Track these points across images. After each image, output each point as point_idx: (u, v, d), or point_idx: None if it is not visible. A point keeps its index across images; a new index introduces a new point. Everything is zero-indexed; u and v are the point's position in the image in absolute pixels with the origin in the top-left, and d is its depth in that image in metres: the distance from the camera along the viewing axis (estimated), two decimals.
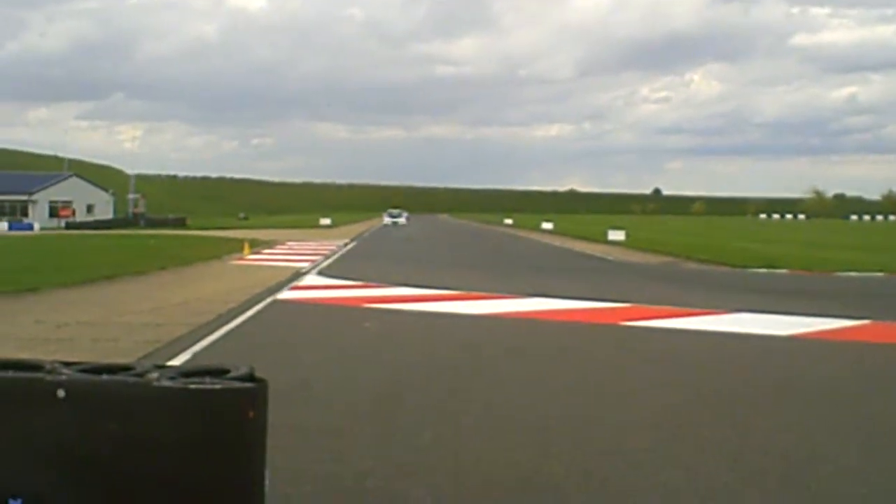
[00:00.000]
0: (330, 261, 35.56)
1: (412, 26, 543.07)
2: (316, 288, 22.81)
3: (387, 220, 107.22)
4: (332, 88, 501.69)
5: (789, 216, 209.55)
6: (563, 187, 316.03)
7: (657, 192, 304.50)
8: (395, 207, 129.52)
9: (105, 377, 3.38)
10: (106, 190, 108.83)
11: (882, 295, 24.62)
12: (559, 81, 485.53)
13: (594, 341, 14.43)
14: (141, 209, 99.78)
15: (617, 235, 58.75)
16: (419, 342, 14.09)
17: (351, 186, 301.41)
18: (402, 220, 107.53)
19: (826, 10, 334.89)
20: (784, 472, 6.99)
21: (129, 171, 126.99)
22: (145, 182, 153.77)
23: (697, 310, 17.85)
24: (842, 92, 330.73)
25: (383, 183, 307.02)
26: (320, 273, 28.12)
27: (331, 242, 52.69)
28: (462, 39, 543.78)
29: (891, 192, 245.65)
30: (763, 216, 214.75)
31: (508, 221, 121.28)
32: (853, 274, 32.13)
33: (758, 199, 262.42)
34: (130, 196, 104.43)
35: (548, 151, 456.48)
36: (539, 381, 10.80)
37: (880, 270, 33.22)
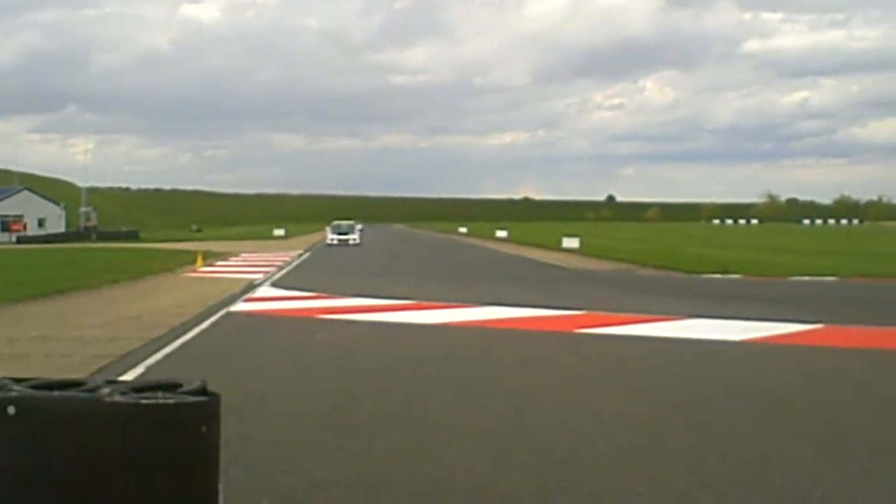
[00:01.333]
0: (283, 272, 35.44)
1: (367, 36, 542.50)
2: (269, 300, 22.72)
3: (332, 237, 68.60)
4: (288, 98, 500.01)
5: (742, 221, 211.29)
6: (517, 195, 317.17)
7: (611, 198, 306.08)
8: (344, 219, 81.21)
9: (56, 393, 3.35)
10: (57, 203, 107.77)
11: (834, 299, 24.86)
12: (513, 89, 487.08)
13: (550, 349, 14.45)
14: (93, 222, 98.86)
15: (571, 243, 58.92)
16: (374, 353, 14.05)
17: (306, 197, 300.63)
18: (353, 238, 68.35)
19: (778, 16, 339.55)
20: (741, 477, 7.04)
21: (81, 184, 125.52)
22: (97, 195, 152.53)
23: (652, 316, 17.96)
24: (794, 97, 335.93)
25: (339, 193, 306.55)
26: (274, 285, 28.01)
27: (284, 253, 52.49)
28: (416, 48, 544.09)
29: (842, 195, 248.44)
30: (717, 221, 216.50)
31: (463, 230, 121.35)
32: (806, 278, 32.45)
33: (711, 204, 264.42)
34: (82, 209, 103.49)
35: (502, 159, 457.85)
36: (495, 390, 10.81)
37: (833, 275, 33.57)
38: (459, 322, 17.62)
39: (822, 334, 15.91)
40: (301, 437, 8.26)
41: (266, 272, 34.52)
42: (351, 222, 75.78)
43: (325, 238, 69.90)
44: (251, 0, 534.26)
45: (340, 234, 69.30)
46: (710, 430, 8.62)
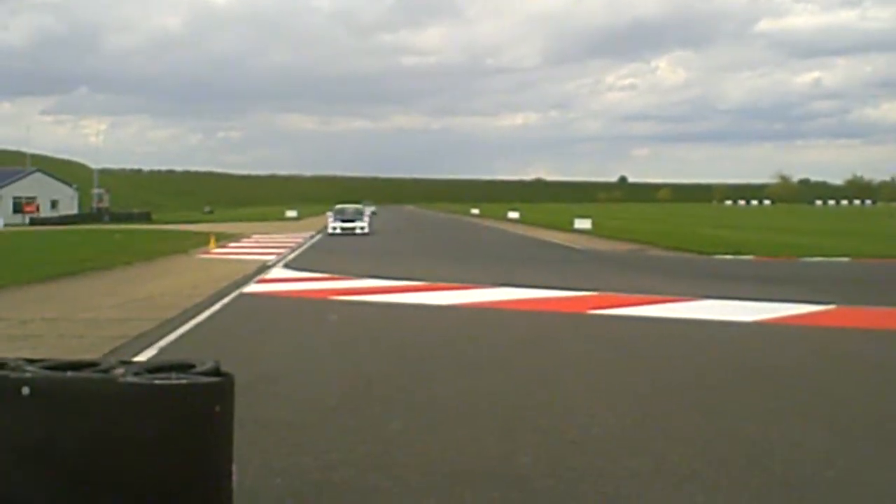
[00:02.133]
0: (296, 253, 35.46)
1: (379, 16, 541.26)
2: (282, 281, 22.76)
3: (333, 225, 54.07)
4: (300, 80, 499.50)
5: (755, 202, 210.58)
6: (529, 176, 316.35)
7: (623, 179, 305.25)
8: (352, 202, 69.85)
9: (70, 374, 3.38)
10: (70, 185, 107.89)
11: (847, 280, 24.80)
12: (525, 70, 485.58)
13: (561, 330, 14.47)
14: (105, 204, 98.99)
15: (583, 224, 58.85)
16: (386, 334, 14.09)
17: (318, 178, 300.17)
18: (361, 225, 54.11)
19: None
20: (752, 457, 7.04)
21: (94, 165, 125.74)
22: (109, 176, 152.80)
23: (664, 297, 17.94)
24: (806, 77, 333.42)
25: (350, 174, 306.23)
26: (286, 266, 28.05)
27: (297, 235, 52.54)
28: (428, 29, 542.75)
29: (855, 176, 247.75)
30: (729, 202, 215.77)
31: (475, 211, 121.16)
32: (818, 259, 32.36)
33: (724, 185, 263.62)
34: (94, 191, 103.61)
35: (514, 140, 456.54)
36: (506, 371, 10.83)
37: (845, 255, 33.47)
38: (471, 303, 17.64)
39: (835, 315, 15.89)
40: (314, 417, 8.29)
41: (279, 254, 34.56)
42: (359, 206, 61.89)
43: None
44: None
45: (345, 220, 54.03)
46: (720, 411, 8.63)
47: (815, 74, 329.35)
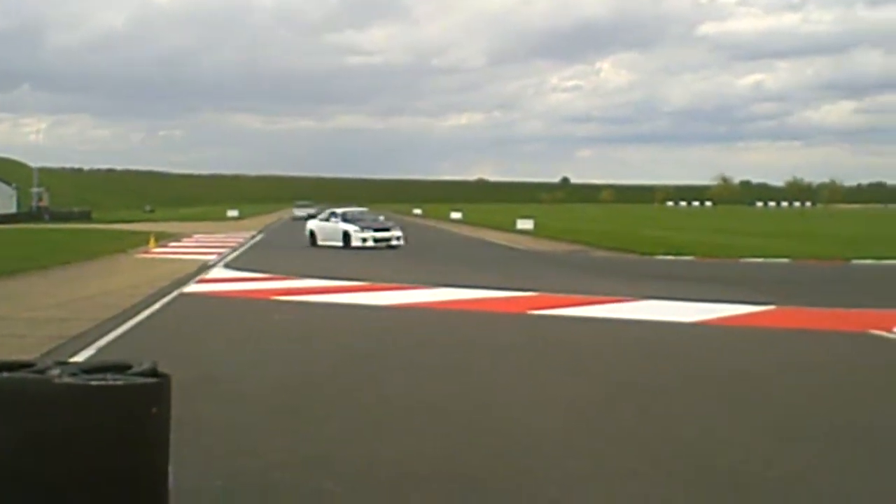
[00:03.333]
0: (237, 253, 35.29)
1: (324, 16, 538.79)
2: (223, 281, 22.62)
3: (362, 236, 38.71)
4: (244, 79, 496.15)
5: (696, 203, 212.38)
6: (472, 176, 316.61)
7: (566, 180, 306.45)
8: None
9: (4, 375, 3.34)
10: (9, 184, 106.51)
11: (786, 281, 25.08)
12: (470, 71, 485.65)
13: (502, 330, 14.50)
14: (45, 203, 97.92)
15: (526, 224, 59.10)
16: (327, 334, 14.06)
17: (262, 178, 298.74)
18: (397, 236, 40.45)
19: None
20: (691, 458, 7.09)
21: (33, 164, 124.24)
22: (50, 175, 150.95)
23: (605, 297, 18.03)
24: (749, 79, 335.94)
25: (295, 174, 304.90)
26: (227, 266, 27.89)
27: (238, 234, 52.30)
28: (374, 29, 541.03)
29: (795, 178, 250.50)
30: (671, 203, 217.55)
31: (418, 211, 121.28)
32: (758, 260, 32.72)
33: (666, 186, 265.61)
34: (34, 190, 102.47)
35: (458, 141, 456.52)
36: (447, 371, 10.83)
37: (785, 256, 33.87)
38: (412, 303, 17.63)
39: (775, 315, 16.04)
40: (255, 418, 8.24)
41: (219, 253, 34.40)
42: (363, 210, 48.10)
43: (280, 219, 55.38)
44: None
45: (377, 230, 40.08)
46: (660, 411, 8.68)
47: (758, 77, 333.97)
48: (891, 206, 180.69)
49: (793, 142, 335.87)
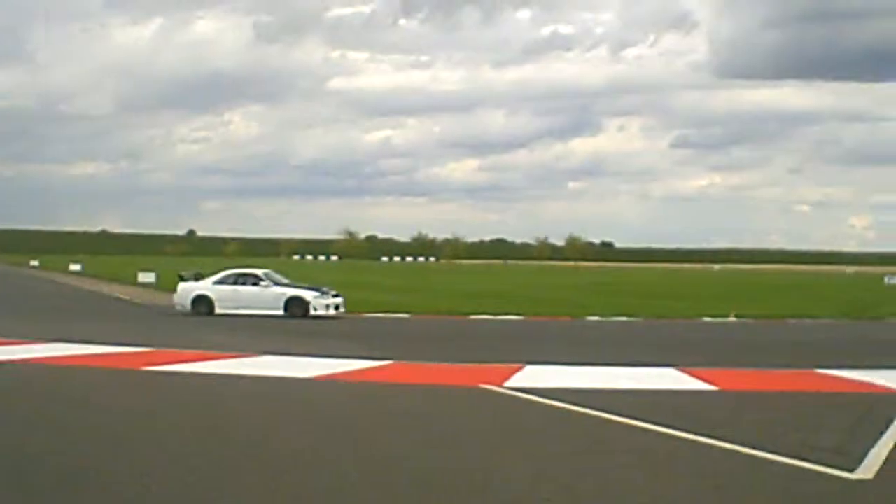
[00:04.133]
0: None
1: None
2: None
3: (323, 303, 33.11)
4: None
5: (322, 257, 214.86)
6: (96, 227, 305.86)
7: (192, 232, 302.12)
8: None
9: None
10: None
11: (407, 336, 25.63)
12: (98, 118, 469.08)
13: (113, 387, 13.92)
14: None
15: (147, 277, 57.61)
16: None
17: None
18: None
19: (364, 55, 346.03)
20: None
21: None
22: None
23: (225, 353, 17.70)
24: (377, 135, 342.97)
25: None
26: None
27: None
28: None
29: (420, 233, 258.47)
30: (297, 257, 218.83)
31: (35, 263, 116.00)
32: (380, 315, 33.35)
33: (293, 240, 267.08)
34: None
35: (84, 190, 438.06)
36: (57, 430, 10.22)
37: (406, 312, 34.73)
38: (21, 359, 16.57)
39: (391, 370, 16.26)
40: None
41: None
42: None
43: None
44: None
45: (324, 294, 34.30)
46: (272, 464, 8.48)
47: (386, 133, 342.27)
48: (511, 262, 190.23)
49: (418, 197, 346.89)
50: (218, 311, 32.58)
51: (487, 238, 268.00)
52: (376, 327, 28.87)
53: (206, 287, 33.73)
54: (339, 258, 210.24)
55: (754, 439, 9.71)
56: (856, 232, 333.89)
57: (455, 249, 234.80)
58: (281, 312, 32.16)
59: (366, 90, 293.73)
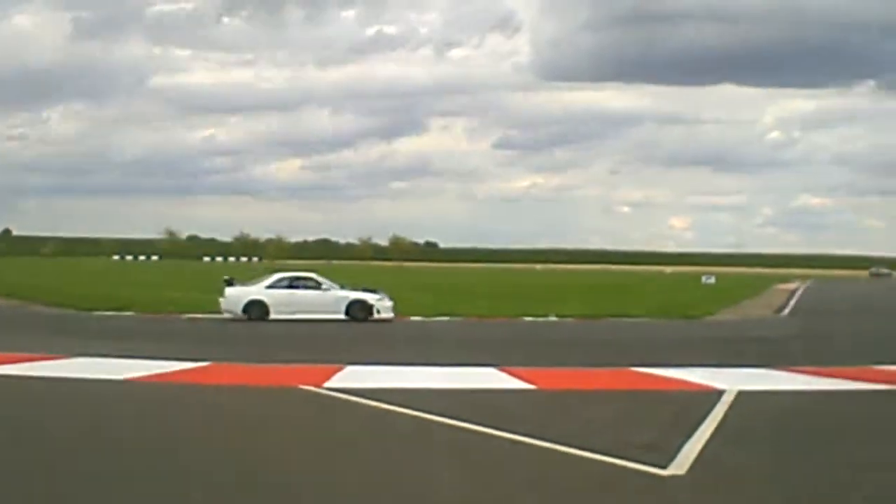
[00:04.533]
0: None
1: None
2: None
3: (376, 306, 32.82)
4: None
5: (142, 257, 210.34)
6: None
7: (7, 232, 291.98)
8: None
9: None
10: None
11: (220, 336, 25.26)
12: None
13: None
14: None
15: None
16: None
17: None
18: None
19: (188, 52, 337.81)
20: None
21: None
22: None
23: (34, 355, 17.01)
24: (201, 133, 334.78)
25: None
26: None
27: None
28: None
29: (242, 233, 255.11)
30: (117, 257, 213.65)
31: None
32: (199, 315, 32.78)
33: (113, 239, 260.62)
34: None
35: None
36: None
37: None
38: None
39: (209, 372, 15.95)
40: None
41: None
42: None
43: None
44: None
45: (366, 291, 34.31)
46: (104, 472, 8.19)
47: (210, 131, 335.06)
48: (335, 262, 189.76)
49: (243, 196, 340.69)
50: (273, 316, 31.24)
51: (311, 238, 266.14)
52: (191, 328, 28.34)
53: (259, 291, 32.21)
54: (160, 258, 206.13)
55: (571, 437, 9.85)
56: (674, 233, 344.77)
57: (279, 249, 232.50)
58: (342, 316, 31.42)
59: (189, 88, 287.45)
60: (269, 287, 32.19)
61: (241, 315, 30.94)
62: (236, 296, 31.75)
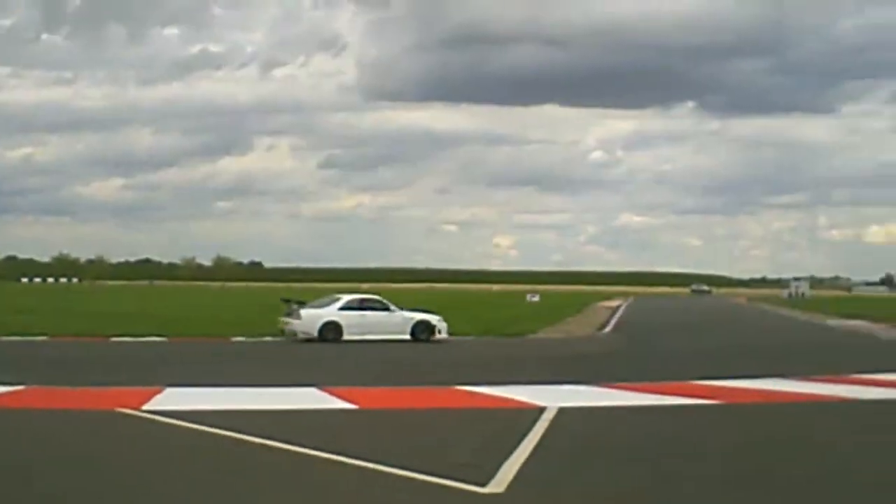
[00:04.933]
0: None
1: None
2: None
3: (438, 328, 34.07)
4: None
5: None
6: None
7: None
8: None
9: None
10: None
11: (44, 360, 24.41)
12: None
13: None
14: None
15: None
16: None
17: None
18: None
19: (7, 70, 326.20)
20: None
21: None
22: None
23: None
24: (19, 152, 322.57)
25: None
26: None
27: None
28: None
29: (61, 254, 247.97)
30: None
31: None
32: (15, 339, 31.58)
33: None
34: None
35: None
36: None
37: (44, 334, 32.96)
38: None
39: (22, 396, 15.45)
40: None
41: None
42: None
43: None
44: None
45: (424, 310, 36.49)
46: None
47: (27, 150, 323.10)
48: (157, 282, 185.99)
49: (62, 217, 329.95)
50: (346, 336, 31.19)
51: (133, 258, 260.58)
52: (9, 351, 27.24)
53: (333, 313, 32.01)
54: None
55: (390, 457, 9.82)
56: (500, 251, 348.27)
57: (99, 270, 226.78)
58: (407, 337, 31.84)
59: (7, 106, 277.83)
60: (342, 309, 32.29)
61: (315, 336, 30.82)
62: (312, 317, 31.55)
